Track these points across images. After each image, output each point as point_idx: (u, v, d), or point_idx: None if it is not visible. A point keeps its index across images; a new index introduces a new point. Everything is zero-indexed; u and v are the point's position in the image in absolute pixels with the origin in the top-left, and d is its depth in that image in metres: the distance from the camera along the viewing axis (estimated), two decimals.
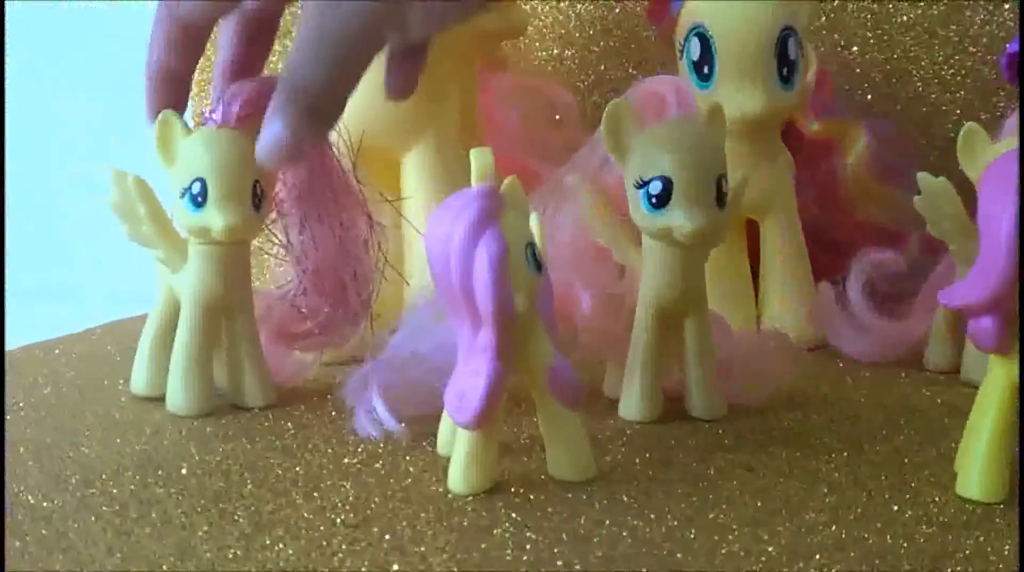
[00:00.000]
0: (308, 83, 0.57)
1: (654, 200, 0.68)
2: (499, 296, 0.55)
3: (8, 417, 0.72)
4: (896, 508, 0.57)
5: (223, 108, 0.70)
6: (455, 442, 0.59)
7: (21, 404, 0.75)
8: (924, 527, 0.55)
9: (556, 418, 0.60)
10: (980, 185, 0.58)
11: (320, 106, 0.58)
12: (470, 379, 0.56)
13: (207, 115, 0.71)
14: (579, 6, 1.12)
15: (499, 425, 0.60)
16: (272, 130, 0.58)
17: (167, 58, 0.69)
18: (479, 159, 0.57)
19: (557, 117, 0.98)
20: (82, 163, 1.41)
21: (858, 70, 1.08)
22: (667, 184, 0.67)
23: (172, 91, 0.70)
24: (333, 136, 0.75)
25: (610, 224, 0.73)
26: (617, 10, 1.10)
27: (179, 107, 0.71)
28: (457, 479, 0.59)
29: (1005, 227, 0.55)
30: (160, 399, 0.74)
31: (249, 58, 0.73)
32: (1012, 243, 0.54)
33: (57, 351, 0.91)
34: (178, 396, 0.72)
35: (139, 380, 0.77)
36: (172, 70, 0.69)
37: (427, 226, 0.58)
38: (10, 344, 0.90)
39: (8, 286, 0.93)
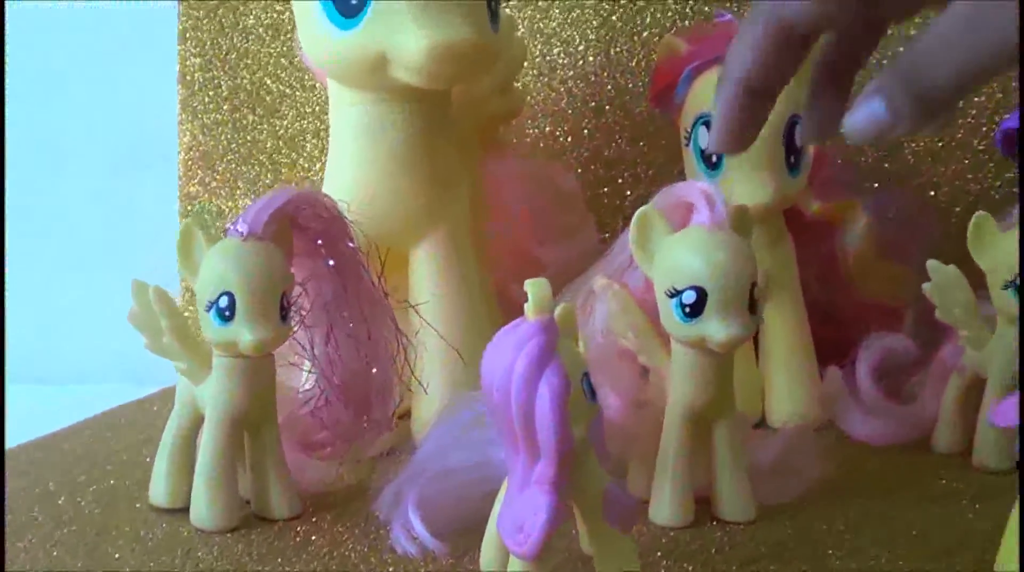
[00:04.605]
0: (933, 75, 0.52)
1: (687, 309, 0.68)
2: (561, 431, 0.54)
3: (30, 535, 0.71)
4: None
5: (251, 218, 0.69)
6: (509, 568, 0.59)
7: (39, 516, 0.74)
8: None
9: (608, 541, 0.60)
10: None
11: (933, 105, 0.52)
12: (528, 510, 0.56)
13: (232, 226, 0.70)
14: (571, 83, 1.12)
15: (553, 551, 0.59)
16: (870, 106, 0.53)
17: (753, 67, 0.57)
18: (537, 290, 0.56)
19: (561, 200, 0.97)
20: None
21: (850, 144, 1.09)
22: (701, 294, 0.67)
23: (752, 108, 0.58)
24: (361, 241, 0.74)
25: (638, 328, 0.73)
26: (610, 87, 1.10)
27: (757, 128, 0.59)
28: None
29: None
30: (183, 510, 0.73)
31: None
32: None
33: (64, 448, 0.90)
34: (204, 511, 0.71)
35: (159, 492, 0.75)
36: (758, 84, 0.58)
37: (484, 355, 0.57)
38: None
39: None
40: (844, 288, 0.99)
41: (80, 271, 1.30)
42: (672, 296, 0.68)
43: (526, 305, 0.56)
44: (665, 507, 0.71)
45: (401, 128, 0.83)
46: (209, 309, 0.69)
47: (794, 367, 0.93)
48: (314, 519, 0.73)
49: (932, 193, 1.09)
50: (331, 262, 0.73)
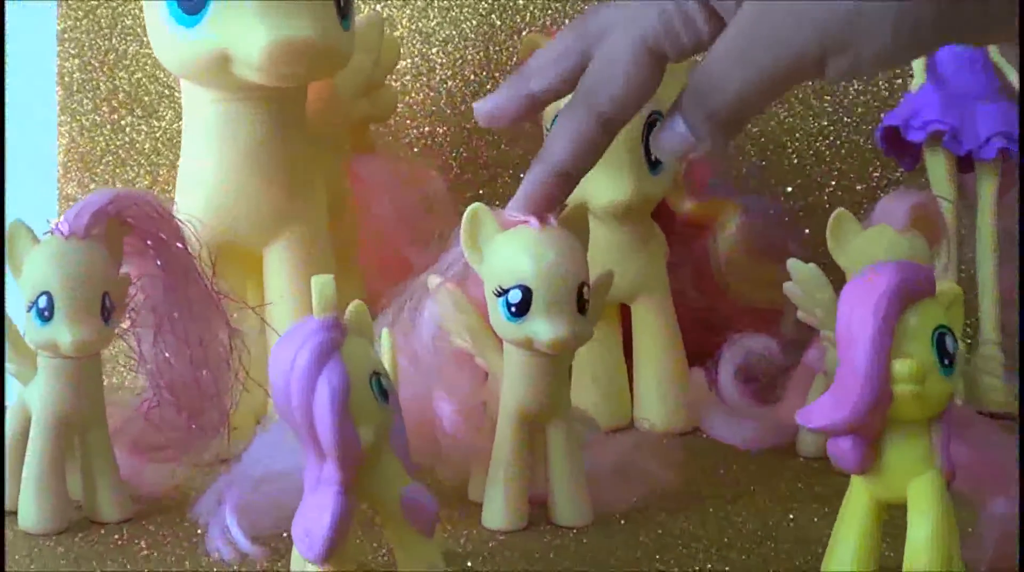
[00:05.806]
0: (720, 93, 0.55)
1: (513, 309, 0.67)
2: (340, 431, 0.53)
3: None
4: None
5: (72, 218, 0.68)
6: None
7: None
8: None
9: (411, 545, 0.59)
10: (840, 300, 0.58)
11: (725, 117, 0.56)
12: (316, 513, 0.55)
13: (55, 225, 0.69)
14: (450, 83, 1.10)
15: (351, 552, 0.58)
16: (673, 126, 0.57)
17: (570, 156, 0.63)
18: (321, 288, 0.55)
19: (429, 203, 0.96)
20: None
21: (733, 143, 1.08)
22: (526, 293, 0.66)
23: (560, 188, 0.65)
24: (192, 241, 0.73)
25: (472, 328, 0.72)
26: (489, 86, 1.09)
27: (563, 201, 0.66)
28: None
29: (863, 355, 0.54)
30: (15, 514, 0.72)
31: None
32: (870, 369, 0.54)
33: None
34: (30, 513, 0.70)
35: None
36: (571, 169, 0.64)
37: (270, 354, 0.56)
38: None
39: None
40: (718, 290, 0.98)
41: None
42: (499, 295, 0.67)
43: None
44: (497, 511, 0.70)
45: (252, 127, 0.82)
46: (30, 309, 0.68)
47: (663, 369, 0.92)
48: (144, 522, 0.72)
49: (816, 193, 1.08)
50: (159, 262, 0.72)
